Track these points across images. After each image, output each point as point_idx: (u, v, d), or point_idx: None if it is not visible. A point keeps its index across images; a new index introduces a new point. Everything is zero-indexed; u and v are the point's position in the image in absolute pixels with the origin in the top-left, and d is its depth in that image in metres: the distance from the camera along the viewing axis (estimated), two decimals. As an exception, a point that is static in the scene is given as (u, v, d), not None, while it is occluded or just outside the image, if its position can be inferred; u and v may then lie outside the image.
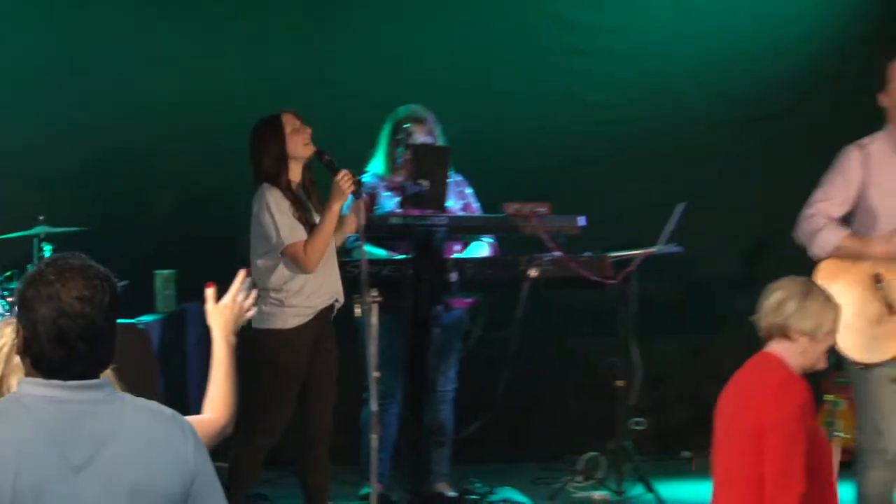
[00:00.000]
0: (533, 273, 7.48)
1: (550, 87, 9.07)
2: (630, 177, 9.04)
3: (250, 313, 4.12)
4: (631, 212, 8.70)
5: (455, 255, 7.61)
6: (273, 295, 6.56)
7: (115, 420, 3.21)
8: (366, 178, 7.19)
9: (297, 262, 6.48)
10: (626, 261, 7.66)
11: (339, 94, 8.57)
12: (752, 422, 4.98)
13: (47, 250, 7.42)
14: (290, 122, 6.63)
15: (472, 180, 7.87)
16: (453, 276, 7.38)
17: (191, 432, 3.31)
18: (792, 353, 5.06)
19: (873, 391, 6.08)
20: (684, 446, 9.25)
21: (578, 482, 8.17)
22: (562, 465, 8.48)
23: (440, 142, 7.64)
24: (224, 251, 8.00)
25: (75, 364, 3.19)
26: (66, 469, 3.14)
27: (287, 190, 6.56)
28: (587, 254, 7.59)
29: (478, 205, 7.80)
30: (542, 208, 7.49)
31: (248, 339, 6.51)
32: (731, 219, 9.02)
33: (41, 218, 7.59)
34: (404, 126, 7.63)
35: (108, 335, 3.23)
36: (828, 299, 5.08)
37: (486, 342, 7.89)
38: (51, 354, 3.17)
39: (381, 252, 7.38)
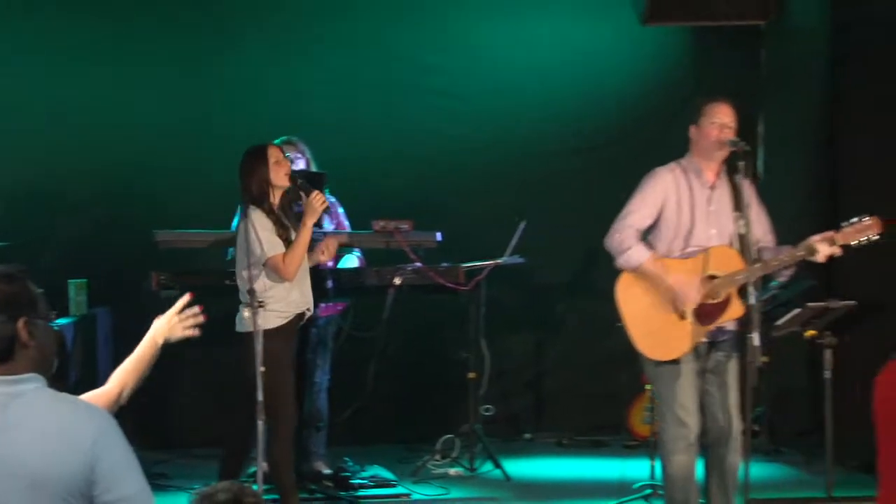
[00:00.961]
0: (397, 281, 7.59)
1: (413, 121, 9.22)
2: (480, 198, 9.19)
3: (189, 332, 4.05)
4: (480, 228, 8.78)
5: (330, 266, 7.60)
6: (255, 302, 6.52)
7: (23, 412, 3.11)
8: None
9: (277, 271, 6.44)
10: (476, 270, 7.86)
11: (225, 126, 8.53)
12: None
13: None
14: (274, 155, 6.66)
15: (344, 200, 7.91)
16: (329, 284, 7.40)
17: (98, 420, 3.15)
18: None
19: (670, 385, 6.11)
20: (526, 429, 9.34)
21: (437, 461, 8.28)
22: (422, 447, 8.54)
23: (314, 167, 7.64)
24: (128, 263, 7.95)
25: None
26: None
27: (269, 212, 6.51)
28: (443, 264, 7.77)
29: (348, 223, 7.85)
30: (405, 225, 7.62)
31: (240, 345, 6.45)
32: (565, 234, 9.15)
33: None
34: (285, 155, 7.60)
35: None
36: None
37: (358, 340, 7.96)
38: None
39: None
